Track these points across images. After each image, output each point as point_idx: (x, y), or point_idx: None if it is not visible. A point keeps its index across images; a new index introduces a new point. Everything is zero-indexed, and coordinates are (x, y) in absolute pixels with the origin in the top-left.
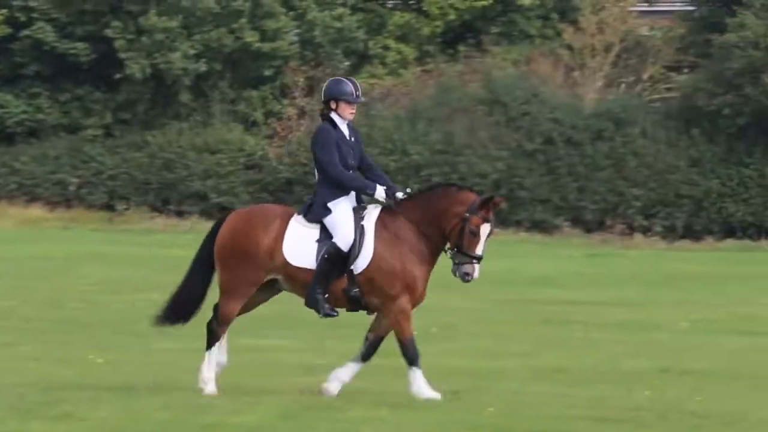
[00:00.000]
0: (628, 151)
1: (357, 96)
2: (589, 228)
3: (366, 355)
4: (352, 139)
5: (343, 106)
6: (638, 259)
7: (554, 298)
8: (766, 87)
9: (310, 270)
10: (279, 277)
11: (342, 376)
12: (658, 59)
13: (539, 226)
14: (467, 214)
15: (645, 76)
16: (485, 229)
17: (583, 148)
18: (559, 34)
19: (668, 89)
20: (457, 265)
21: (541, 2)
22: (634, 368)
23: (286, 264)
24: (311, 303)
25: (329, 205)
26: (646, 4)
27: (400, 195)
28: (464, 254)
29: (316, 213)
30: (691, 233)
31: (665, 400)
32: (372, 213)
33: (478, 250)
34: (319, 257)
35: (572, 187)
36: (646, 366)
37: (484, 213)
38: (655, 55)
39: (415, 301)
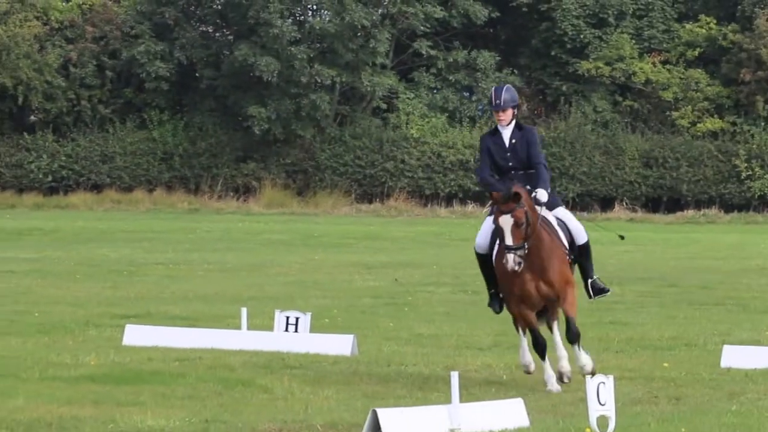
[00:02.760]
0: None
1: (495, 104)
2: None
3: (568, 339)
4: (513, 141)
5: (494, 114)
6: None
7: None
8: None
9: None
10: None
11: (582, 359)
12: None
13: None
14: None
15: None
16: (503, 221)
17: None
18: None
19: None
20: None
21: None
22: None
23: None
24: None
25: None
26: None
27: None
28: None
29: None
30: None
31: None
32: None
33: (506, 241)
34: None
35: None
36: None
37: (502, 207)
38: None
39: (516, 301)
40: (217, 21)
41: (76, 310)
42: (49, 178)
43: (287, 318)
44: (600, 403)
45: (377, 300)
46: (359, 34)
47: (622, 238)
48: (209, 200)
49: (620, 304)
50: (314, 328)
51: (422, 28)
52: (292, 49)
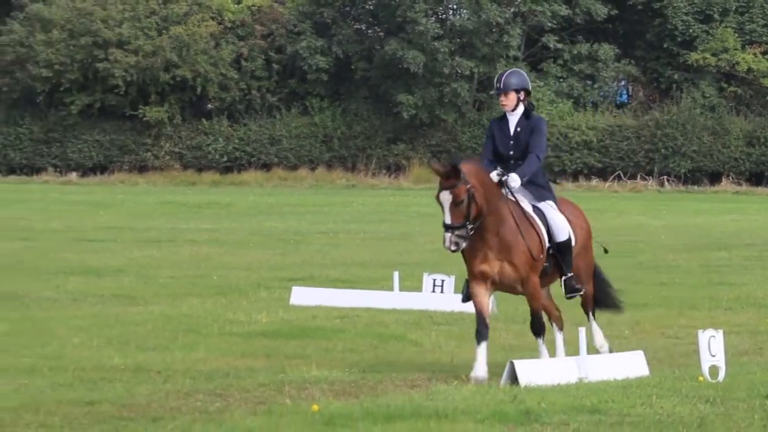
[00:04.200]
0: None
1: (497, 87)
2: None
3: (532, 331)
4: (518, 129)
5: (497, 98)
6: None
7: None
8: (30, 73)
9: None
10: None
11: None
12: None
13: None
14: None
15: None
16: (442, 197)
17: None
18: None
19: None
20: None
21: None
22: None
23: None
24: None
25: None
26: None
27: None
28: None
29: None
30: None
31: None
32: None
33: (444, 219)
34: None
35: None
36: None
37: (443, 183)
38: None
39: (471, 276)
40: (370, 19)
41: (249, 274)
42: (225, 159)
43: (434, 280)
44: (711, 354)
45: None
46: (494, 30)
47: (606, 251)
48: (364, 177)
49: (728, 267)
50: (458, 289)
51: (549, 24)
52: (436, 43)
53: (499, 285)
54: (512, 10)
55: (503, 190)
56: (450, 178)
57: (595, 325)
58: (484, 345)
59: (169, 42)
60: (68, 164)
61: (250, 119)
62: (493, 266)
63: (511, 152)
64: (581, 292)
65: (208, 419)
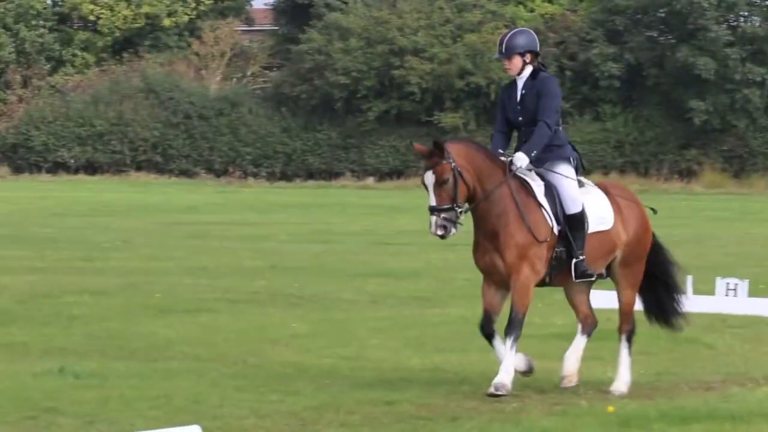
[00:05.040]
0: (240, 123)
1: (500, 51)
2: (218, 174)
3: (505, 331)
4: (524, 92)
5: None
6: (251, 194)
7: (197, 221)
8: (328, 80)
9: None
10: None
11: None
12: (257, 62)
13: (185, 173)
14: None
15: (249, 73)
16: (426, 178)
17: (211, 121)
18: (189, 45)
19: (265, 82)
20: None
21: (176, 23)
22: (252, 265)
23: None
24: None
25: None
26: (245, 25)
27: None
28: None
29: None
30: (285, 177)
31: (274, 287)
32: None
33: (429, 200)
34: None
35: (205, 146)
36: (260, 264)
37: (426, 162)
38: (254, 59)
39: (483, 276)
40: (661, 27)
41: None
42: None
43: (727, 284)
44: None
45: None
46: None
47: (654, 211)
48: (656, 182)
49: None
50: (752, 293)
51: None
52: (727, 50)
53: (498, 279)
54: None
55: (511, 168)
56: (433, 156)
57: (624, 352)
58: (496, 343)
59: (464, 49)
60: (365, 169)
61: None
62: (485, 258)
63: (520, 118)
64: (592, 277)
65: (504, 419)
